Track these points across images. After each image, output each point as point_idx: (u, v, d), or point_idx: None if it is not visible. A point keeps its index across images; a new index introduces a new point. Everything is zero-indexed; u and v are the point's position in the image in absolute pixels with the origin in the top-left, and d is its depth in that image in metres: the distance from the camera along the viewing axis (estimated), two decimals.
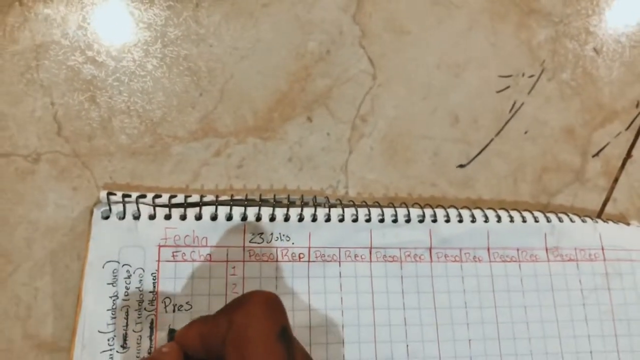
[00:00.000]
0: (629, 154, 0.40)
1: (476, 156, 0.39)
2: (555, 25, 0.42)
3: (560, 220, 0.36)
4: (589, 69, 0.41)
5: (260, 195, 0.34)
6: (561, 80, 0.41)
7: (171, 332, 0.30)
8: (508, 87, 0.40)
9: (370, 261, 0.34)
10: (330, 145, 0.37)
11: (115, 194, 0.32)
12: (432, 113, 0.39)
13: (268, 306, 0.23)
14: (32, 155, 0.34)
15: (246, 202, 0.33)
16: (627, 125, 0.41)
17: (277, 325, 0.22)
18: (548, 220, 0.36)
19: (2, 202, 0.33)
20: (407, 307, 0.33)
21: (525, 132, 0.39)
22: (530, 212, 0.36)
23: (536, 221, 0.36)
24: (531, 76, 0.40)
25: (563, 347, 0.34)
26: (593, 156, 0.40)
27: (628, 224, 0.38)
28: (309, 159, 0.37)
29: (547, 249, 0.36)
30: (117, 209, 0.32)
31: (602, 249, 0.36)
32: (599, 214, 0.39)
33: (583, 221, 0.37)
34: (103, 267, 0.31)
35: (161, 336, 0.31)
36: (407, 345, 0.33)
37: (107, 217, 0.32)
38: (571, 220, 0.37)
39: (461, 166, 0.38)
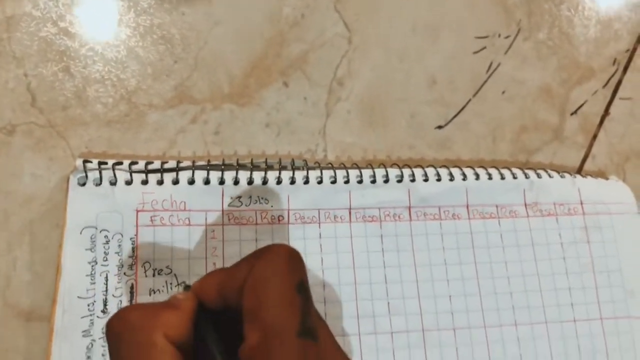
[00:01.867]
0: (606, 111, 0.41)
1: (454, 117, 0.39)
2: None
3: (539, 176, 0.37)
4: (565, 28, 0.41)
5: (238, 160, 0.34)
6: (538, 40, 0.41)
7: (186, 287, 0.30)
8: (484, 48, 0.40)
9: (350, 222, 0.34)
10: (307, 109, 0.37)
11: (91, 162, 0.32)
12: (408, 75, 0.39)
13: (289, 259, 0.23)
14: (6, 127, 0.33)
15: (223, 167, 0.33)
16: (604, 83, 0.41)
17: (296, 277, 0.22)
18: (526, 177, 0.36)
19: None
20: (388, 265, 0.34)
21: (503, 92, 0.40)
22: (509, 169, 0.37)
23: (514, 178, 0.36)
24: (507, 37, 0.40)
25: (544, 300, 0.35)
26: (571, 114, 0.40)
27: (607, 179, 0.38)
28: (287, 123, 0.37)
29: (526, 205, 0.36)
30: (93, 175, 0.32)
31: (581, 203, 0.37)
32: (578, 171, 0.39)
33: (562, 176, 0.37)
34: (81, 232, 0.31)
35: (141, 300, 0.31)
36: (389, 303, 0.33)
37: (83, 184, 0.31)
38: (550, 176, 0.37)
39: (439, 127, 0.38)
